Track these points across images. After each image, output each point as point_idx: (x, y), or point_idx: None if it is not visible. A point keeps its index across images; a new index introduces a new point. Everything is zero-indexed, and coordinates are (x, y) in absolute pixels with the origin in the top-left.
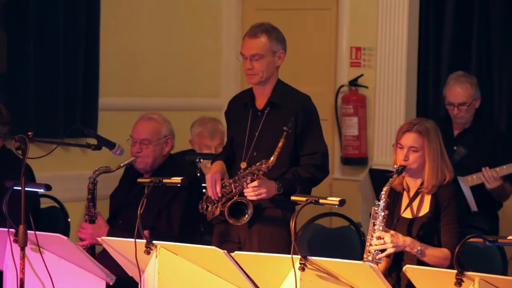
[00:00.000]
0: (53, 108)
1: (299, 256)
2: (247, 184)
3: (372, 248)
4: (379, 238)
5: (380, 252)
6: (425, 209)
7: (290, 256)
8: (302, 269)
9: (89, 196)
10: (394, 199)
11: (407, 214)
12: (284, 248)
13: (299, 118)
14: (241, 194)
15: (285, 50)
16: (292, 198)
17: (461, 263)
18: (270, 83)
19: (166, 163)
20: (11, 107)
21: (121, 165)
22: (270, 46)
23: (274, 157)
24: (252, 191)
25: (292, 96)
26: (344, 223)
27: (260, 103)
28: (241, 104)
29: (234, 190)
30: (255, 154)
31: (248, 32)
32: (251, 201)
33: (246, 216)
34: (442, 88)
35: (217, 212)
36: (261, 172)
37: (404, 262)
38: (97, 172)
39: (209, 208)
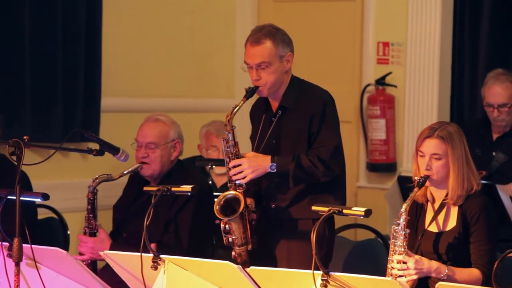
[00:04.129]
0: (51, 110)
1: (321, 272)
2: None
3: (393, 272)
4: (401, 262)
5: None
6: (452, 222)
7: (310, 271)
8: (325, 286)
9: (89, 207)
10: (417, 211)
11: (432, 228)
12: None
13: (315, 120)
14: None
15: (293, 52)
16: (313, 208)
17: (500, 280)
18: (282, 87)
19: (174, 169)
20: (5, 108)
21: (125, 172)
22: (276, 51)
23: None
24: (235, 172)
25: (305, 98)
26: (370, 235)
27: (275, 107)
28: (259, 108)
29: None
30: None
31: (250, 38)
32: (248, 189)
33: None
34: (479, 87)
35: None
36: (234, 150)
37: (430, 279)
38: (97, 181)
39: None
